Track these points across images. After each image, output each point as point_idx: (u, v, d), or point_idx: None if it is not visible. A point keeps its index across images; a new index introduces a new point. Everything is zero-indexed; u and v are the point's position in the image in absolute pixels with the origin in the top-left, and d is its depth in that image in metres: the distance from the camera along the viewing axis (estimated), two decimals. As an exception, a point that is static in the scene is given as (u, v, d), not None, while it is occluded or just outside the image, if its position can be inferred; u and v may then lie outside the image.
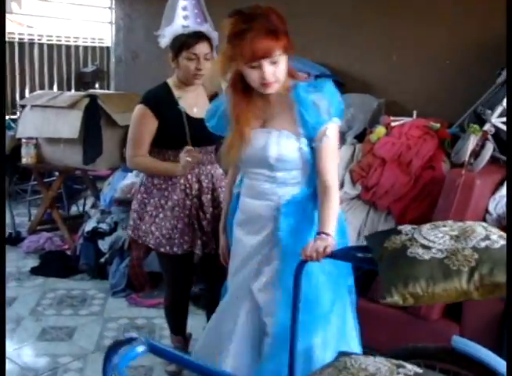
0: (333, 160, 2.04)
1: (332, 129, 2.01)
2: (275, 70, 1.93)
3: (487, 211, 2.76)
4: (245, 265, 2.16)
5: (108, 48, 6.96)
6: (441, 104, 3.49)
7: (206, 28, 2.60)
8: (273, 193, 2.07)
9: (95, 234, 4.23)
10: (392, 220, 3.03)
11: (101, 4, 6.97)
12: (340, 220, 2.13)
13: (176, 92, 2.63)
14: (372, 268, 1.80)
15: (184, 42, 2.54)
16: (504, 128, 2.74)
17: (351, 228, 3.08)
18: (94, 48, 7.44)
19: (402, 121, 3.31)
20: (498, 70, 3.08)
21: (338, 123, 2.04)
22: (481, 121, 3.05)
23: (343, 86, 3.86)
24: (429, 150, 3.12)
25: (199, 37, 2.55)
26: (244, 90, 2.04)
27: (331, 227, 1.92)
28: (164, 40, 2.61)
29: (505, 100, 2.76)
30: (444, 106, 3.47)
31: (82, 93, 4.61)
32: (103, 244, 4.18)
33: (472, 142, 2.63)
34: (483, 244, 1.64)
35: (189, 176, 2.65)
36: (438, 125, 3.21)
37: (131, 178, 4.23)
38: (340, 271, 2.10)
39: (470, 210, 2.64)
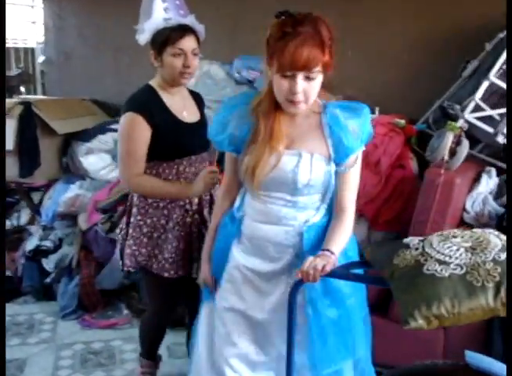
0: (357, 187, 1.92)
1: (360, 156, 1.90)
2: (308, 87, 1.74)
3: (464, 209, 2.68)
4: (260, 293, 1.95)
5: (33, 49, 6.53)
6: (402, 100, 3.39)
7: (190, 20, 2.32)
8: (293, 217, 1.87)
9: (38, 253, 3.90)
10: (365, 223, 2.91)
11: (22, 2, 6.54)
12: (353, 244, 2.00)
13: (163, 95, 2.34)
14: (380, 286, 1.65)
15: (168, 37, 2.24)
16: (478, 123, 2.65)
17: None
18: (17, 49, 6.98)
19: (365, 119, 3.19)
20: (463, 63, 3.00)
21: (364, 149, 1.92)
22: (448, 116, 2.98)
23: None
24: (396, 148, 3.02)
25: (184, 30, 2.26)
26: (276, 104, 1.82)
27: (337, 247, 1.76)
28: (143, 36, 2.31)
29: (477, 94, 2.68)
30: (404, 101, 3.37)
31: (14, 100, 4.25)
32: (48, 263, 3.85)
33: (449, 139, 2.53)
34: (503, 256, 1.53)
35: None
36: (403, 122, 3.11)
37: (74, 191, 3.93)
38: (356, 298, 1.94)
39: (451, 209, 2.55)
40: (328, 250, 1.73)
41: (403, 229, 2.87)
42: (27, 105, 3.94)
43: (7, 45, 6.85)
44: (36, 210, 4.39)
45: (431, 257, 1.56)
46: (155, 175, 2.33)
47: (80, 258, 3.75)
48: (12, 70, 6.66)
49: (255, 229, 1.93)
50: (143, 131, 2.24)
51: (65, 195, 3.94)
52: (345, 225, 1.86)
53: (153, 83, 2.36)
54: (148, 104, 2.28)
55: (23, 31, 6.84)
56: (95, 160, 4.00)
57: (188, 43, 2.26)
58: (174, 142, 2.30)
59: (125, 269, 2.41)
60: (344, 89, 3.63)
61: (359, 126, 1.86)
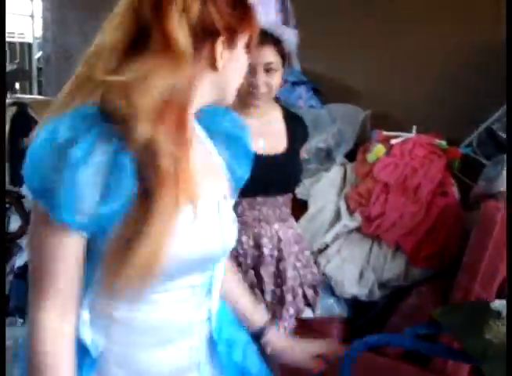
0: None
1: None
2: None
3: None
4: None
5: (30, 44, 6.17)
6: (441, 118, 3.06)
7: (272, 23, 1.85)
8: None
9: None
10: (402, 257, 2.56)
11: (19, -6, 6.19)
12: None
13: None
14: (467, 363, 1.32)
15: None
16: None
17: (351, 267, 2.60)
18: (12, 44, 6.60)
19: (401, 138, 2.86)
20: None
21: None
22: (496, 141, 2.66)
23: (321, 95, 3.38)
24: (437, 172, 2.69)
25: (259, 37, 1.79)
26: None
27: None
28: None
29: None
30: (444, 120, 3.03)
31: (8, 100, 3.89)
32: (39, 281, 3.49)
33: None
34: None
35: (244, 238, 1.91)
36: (445, 143, 2.79)
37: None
38: None
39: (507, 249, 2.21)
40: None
41: (445, 266, 2.54)
42: (21, 106, 3.59)
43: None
44: (27, 220, 4.02)
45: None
46: None
47: (74, 279, 3.39)
48: (7, 66, 6.29)
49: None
50: None
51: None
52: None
53: None
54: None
55: (19, 25, 6.47)
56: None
57: (258, 54, 1.77)
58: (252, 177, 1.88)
59: None
60: (375, 104, 3.32)
61: None
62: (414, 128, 2.93)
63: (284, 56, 1.84)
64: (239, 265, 1.91)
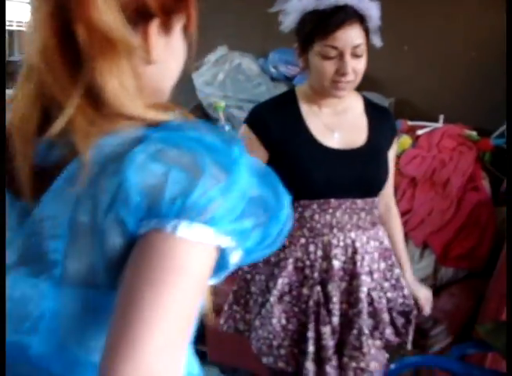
0: None
1: None
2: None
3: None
4: None
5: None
6: (470, 107, 2.88)
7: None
8: None
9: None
10: (431, 256, 2.41)
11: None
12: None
13: (304, 106, 1.63)
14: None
15: (316, 25, 1.50)
16: None
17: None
18: (21, 32, 6.46)
19: (428, 128, 2.70)
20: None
21: None
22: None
23: (341, 82, 3.21)
24: (468, 166, 2.53)
25: (345, 15, 1.49)
26: None
27: None
28: (288, 20, 1.56)
29: None
30: (473, 109, 2.85)
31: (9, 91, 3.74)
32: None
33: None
34: None
35: (312, 248, 1.60)
36: (476, 134, 2.61)
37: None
38: None
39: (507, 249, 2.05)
40: None
41: (478, 267, 2.39)
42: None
43: (10, 28, 6.35)
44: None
45: None
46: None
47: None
48: (15, 56, 6.15)
49: None
50: (256, 153, 1.58)
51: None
52: None
53: (299, 88, 1.70)
54: (271, 115, 1.62)
55: (18, 13, 6.31)
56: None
57: (347, 36, 1.50)
58: (300, 173, 1.58)
59: (222, 329, 1.78)
60: (399, 91, 3.15)
61: None
62: (441, 117, 2.76)
63: (368, 35, 1.55)
64: (305, 278, 1.61)
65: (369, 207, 1.62)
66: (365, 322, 1.58)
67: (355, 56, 1.50)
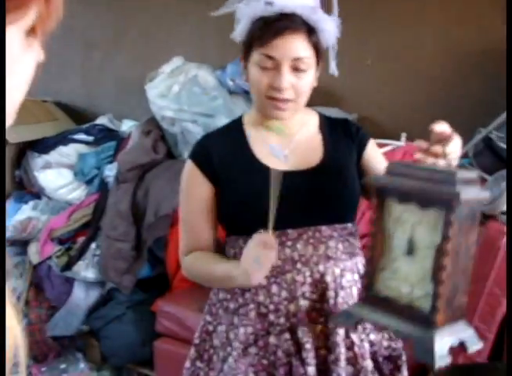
0: None
1: None
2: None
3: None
4: None
5: None
6: (426, 124, 2.76)
7: (305, 7, 1.36)
8: None
9: (-21, 286, 3.21)
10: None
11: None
12: None
13: (251, 132, 1.48)
14: None
15: (256, 32, 1.36)
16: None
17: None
18: None
19: (390, 147, 2.60)
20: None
21: None
22: (494, 151, 2.41)
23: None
24: (430, 187, 2.42)
25: (289, 23, 1.34)
26: None
27: None
28: (239, 27, 1.41)
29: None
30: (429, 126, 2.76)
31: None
32: (-10, 300, 3.17)
33: (517, 188, 1.94)
34: None
35: (275, 288, 1.38)
36: (438, 154, 2.52)
37: (26, 212, 3.25)
38: None
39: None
40: None
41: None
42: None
43: None
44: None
45: None
46: (233, 257, 1.46)
47: (29, 298, 3.07)
48: None
49: None
50: (199, 187, 1.45)
51: (15, 217, 3.25)
52: None
53: (248, 113, 1.55)
54: (213, 145, 1.48)
55: None
56: (54, 176, 3.32)
57: (285, 46, 1.34)
58: (246, 202, 1.41)
59: None
60: (361, 107, 3.04)
61: None
62: (403, 135, 2.66)
63: (319, 52, 1.40)
64: (270, 324, 1.40)
65: (338, 235, 1.41)
66: (344, 370, 1.36)
67: (296, 70, 1.35)
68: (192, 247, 1.49)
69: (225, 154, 1.46)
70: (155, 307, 2.78)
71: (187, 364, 1.54)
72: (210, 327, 1.50)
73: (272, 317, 1.40)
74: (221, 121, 2.83)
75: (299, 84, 1.35)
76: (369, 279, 1.15)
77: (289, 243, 1.39)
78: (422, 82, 2.85)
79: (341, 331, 1.37)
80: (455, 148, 1.20)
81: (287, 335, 1.38)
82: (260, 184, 1.36)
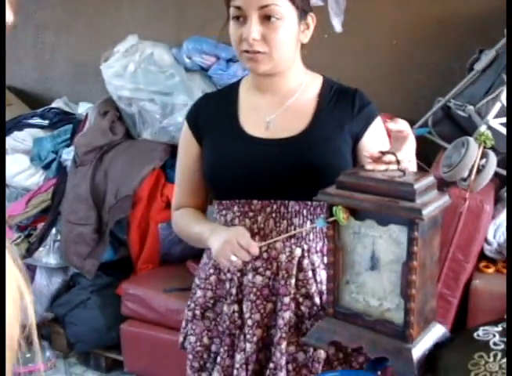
0: None
1: None
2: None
3: (485, 240, 2.11)
4: None
5: None
6: (392, 97, 2.78)
7: None
8: None
9: None
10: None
11: None
12: None
13: (244, 93, 1.44)
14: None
15: None
16: (503, 131, 2.09)
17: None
18: None
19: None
20: (475, 53, 2.42)
21: None
22: (453, 120, 2.43)
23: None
24: (390, 157, 2.43)
25: None
26: None
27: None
28: None
29: (503, 95, 2.10)
30: (395, 99, 2.77)
31: None
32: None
33: (476, 153, 1.95)
34: None
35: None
36: (397, 124, 2.52)
37: None
38: None
39: (475, 243, 1.98)
40: None
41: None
42: None
43: None
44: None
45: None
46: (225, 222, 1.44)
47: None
48: None
49: None
50: (188, 147, 1.47)
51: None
52: None
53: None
54: (205, 105, 1.47)
55: None
56: (10, 162, 3.22)
57: None
58: (218, 166, 1.39)
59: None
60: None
61: None
62: (362, 107, 2.66)
63: (298, 1, 1.30)
64: (227, 293, 1.39)
65: (308, 213, 1.33)
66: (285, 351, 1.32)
67: (267, 19, 1.28)
68: (180, 203, 1.50)
69: (212, 116, 1.44)
70: (120, 290, 2.75)
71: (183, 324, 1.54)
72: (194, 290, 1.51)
73: (227, 286, 1.39)
74: (179, 98, 2.78)
75: (270, 35, 1.28)
76: (333, 295, 1.11)
77: (250, 214, 1.35)
78: (380, 54, 2.85)
79: (286, 315, 1.31)
80: (408, 153, 1.16)
81: (236, 307, 1.36)
82: (236, 151, 1.36)
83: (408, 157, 1.16)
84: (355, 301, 1.10)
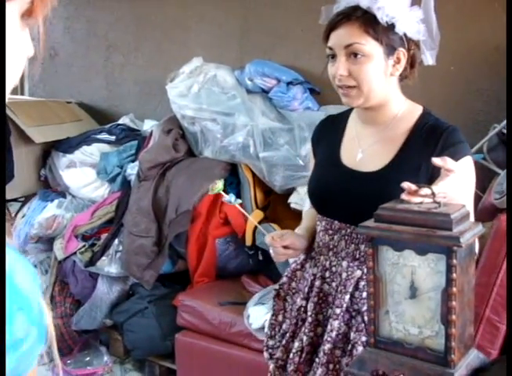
0: None
1: None
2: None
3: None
4: None
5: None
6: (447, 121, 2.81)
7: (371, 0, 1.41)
8: None
9: (7, 282, 3.31)
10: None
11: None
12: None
13: (353, 121, 1.60)
14: None
15: (325, 29, 1.49)
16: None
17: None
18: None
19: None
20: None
21: None
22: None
23: (319, 95, 3.14)
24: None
25: (343, 15, 1.43)
26: None
27: None
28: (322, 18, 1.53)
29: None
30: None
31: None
32: (17, 295, 3.27)
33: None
34: None
35: (314, 262, 1.60)
36: (453, 149, 2.55)
37: (51, 210, 3.34)
38: None
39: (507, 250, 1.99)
40: None
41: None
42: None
43: None
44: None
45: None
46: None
47: (54, 293, 3.17)
48: None
49: None
50: (312, 160, 1.71)
51: (41, 215, 3.35)
52: None
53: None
54: (322, 128, 1.69)
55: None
56: (78, 175, 3.41)
57: (337, 35, 1.44)
58: (313, 187, 1.61)
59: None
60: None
61: None
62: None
63: (380, 38, 1.41)
64: (300, 290, 1.62)
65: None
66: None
67: (353, 56, 1.41)
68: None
69: (323, 138, 1.64)
70: (176, 301, 2.86)
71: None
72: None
73: (304, 283, 1.60)
74: (240, 119, 2.89)
75: (357, 70, 1.41)
76: (374, 325, 1.15)
77: (330, 231, 1.55)
78: (438, 80, 2.88)
79: (335, 323, 1.47)
80: (446, 188, 1.18)
81: (304, 303, 1.57)
82: (328, 175, 1.56)
83: (444, 192, 1.17)
84: (395, 330, 1.14)
